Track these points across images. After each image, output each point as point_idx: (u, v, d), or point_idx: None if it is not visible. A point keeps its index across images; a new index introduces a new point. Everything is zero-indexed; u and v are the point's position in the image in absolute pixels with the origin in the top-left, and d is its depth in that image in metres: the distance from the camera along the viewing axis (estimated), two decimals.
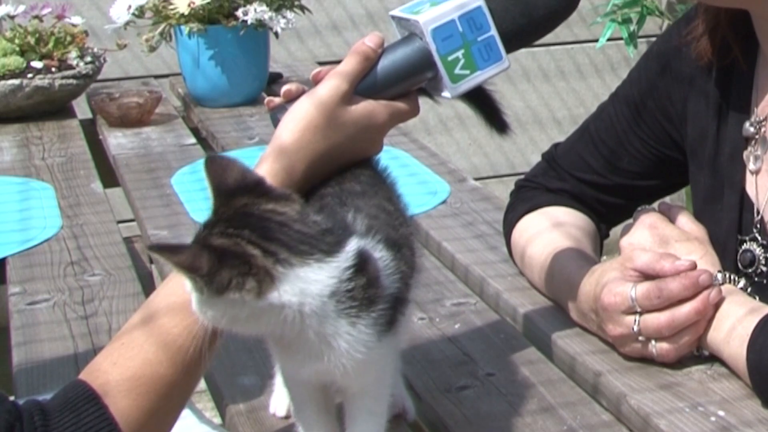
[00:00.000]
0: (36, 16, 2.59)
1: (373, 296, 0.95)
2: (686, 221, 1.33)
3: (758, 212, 1.35)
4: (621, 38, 3.51)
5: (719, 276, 1.23)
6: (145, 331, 0.99)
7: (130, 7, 2.47)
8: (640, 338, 1.22)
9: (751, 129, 1.36)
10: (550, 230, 1.44)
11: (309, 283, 0.92)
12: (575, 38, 3.93)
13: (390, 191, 1.10)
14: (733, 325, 1.19)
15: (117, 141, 2.33)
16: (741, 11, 1.33)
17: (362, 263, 0.94)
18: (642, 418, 1.15)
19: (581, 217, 1.49)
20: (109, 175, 2.22)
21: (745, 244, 1.36)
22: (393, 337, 0.99)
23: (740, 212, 1.36)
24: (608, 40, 3.55)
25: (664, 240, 1.29)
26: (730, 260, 1.35)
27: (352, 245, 0.94)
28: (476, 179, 2.06)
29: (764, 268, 1.34)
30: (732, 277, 1.28)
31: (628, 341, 1.23)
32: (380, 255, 0.97)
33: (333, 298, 0.92)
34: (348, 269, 0.93)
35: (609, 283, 1.23)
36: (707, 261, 1.27)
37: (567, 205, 1.50)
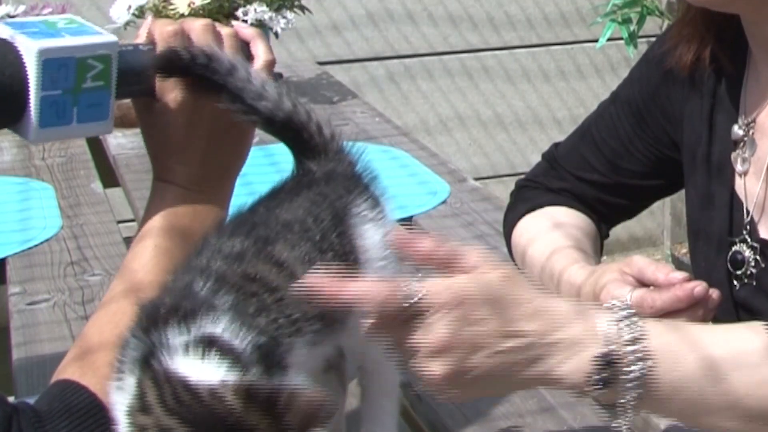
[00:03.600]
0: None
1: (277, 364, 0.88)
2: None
3: (747, 213, 1.35)
4: (621, 38, 3.51)
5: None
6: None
7: (130, 7, 2.46)
8: None
9: (740, 132, 1.36)
10: (551, 231, 1.44)
11: None
12: (575, 38, 3.94)
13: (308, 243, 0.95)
14: None
15: (117, 141, 2.33)
16: (726, 19, 1.33)
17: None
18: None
19: (582, 217, 1.49)
20: (109, 175, 2.22)
21: (735, 246, 1.36)
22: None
23: (731, 214, 1.37)
24: (608, 40, 3.55)
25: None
26: (723, 262, 1.35)
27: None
28: (476, 179, 2.06)
29: (754, 270, 1.34)
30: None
31: None
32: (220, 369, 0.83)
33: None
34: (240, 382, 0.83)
35: (608, 284, 1.23)
36: None
37: (568, 205, 1.50)
